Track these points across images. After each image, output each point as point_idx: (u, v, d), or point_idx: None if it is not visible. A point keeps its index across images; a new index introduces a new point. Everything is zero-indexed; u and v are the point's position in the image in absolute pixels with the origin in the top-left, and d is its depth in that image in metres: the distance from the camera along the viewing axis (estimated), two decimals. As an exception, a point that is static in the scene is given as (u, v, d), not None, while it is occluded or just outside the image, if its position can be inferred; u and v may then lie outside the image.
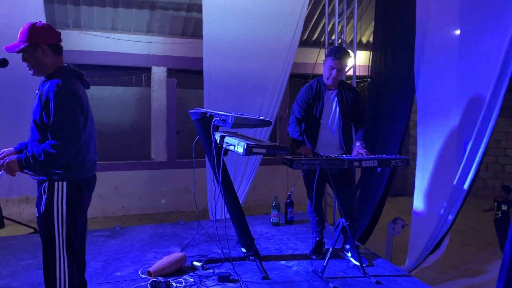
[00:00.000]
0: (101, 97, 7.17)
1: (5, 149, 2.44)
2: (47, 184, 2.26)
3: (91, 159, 2.40)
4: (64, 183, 2.26)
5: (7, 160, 2.20)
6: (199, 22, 7.10)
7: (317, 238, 3.57)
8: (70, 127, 2.19)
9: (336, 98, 3.44)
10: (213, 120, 2.81)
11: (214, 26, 4.42)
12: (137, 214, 6.97)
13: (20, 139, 2.51)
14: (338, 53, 3.31)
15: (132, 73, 7.23)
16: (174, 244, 3.81)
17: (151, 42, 7.03)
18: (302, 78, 7.27)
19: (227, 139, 2.83)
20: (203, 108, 3.32)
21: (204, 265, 3.23)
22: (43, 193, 2.27)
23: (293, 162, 2.87)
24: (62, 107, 2.17)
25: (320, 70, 7.77)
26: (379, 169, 3.15)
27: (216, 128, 2.93)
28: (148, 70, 7.32)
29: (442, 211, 3.29)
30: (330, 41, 5.16)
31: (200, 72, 7.81)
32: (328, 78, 3.38)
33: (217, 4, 4.38)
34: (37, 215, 2.33)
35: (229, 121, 2.64)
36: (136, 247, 3.72)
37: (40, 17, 4.11)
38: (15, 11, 4.02)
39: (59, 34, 2.35)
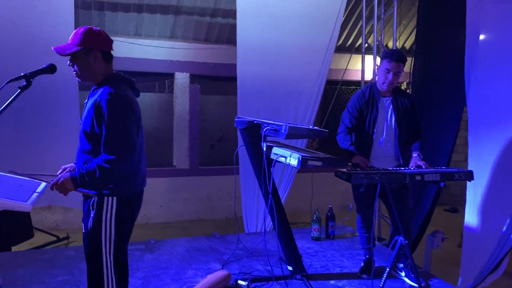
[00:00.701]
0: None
1: (67, 165, 2.31)
2: (96, 199, 2.11)
3: (141, 172, 2.25)
4: (114, 198, 2.11)
5: (62, 179, 2.04)
6: (223, 28, 7.01)
7: (367, 256, 3.37)
8: (125, 139, 2.04)
9: (391, 105, 3.22)
10: (263, 129, 2.64)
11: (249, 31, 4.27)
12: (159, 223, 6.83)
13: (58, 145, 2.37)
14: (395, 55, 3.11)
15: (155, 79, 7.12)
16: (213, 259, 3.63)
17: (174, 48, 6.91)
18: (332, 84, 7.09)
19: (276, 150, 2.65)
20: (244, 116, 3.14)
21: (250, 285, 3.05)
22: (91, 209, 2.12)
23: (351, 176, 2.67)
24: (116, 117, 2.01)
25: (350, 76, 7.71)
26: (442, 184, 2.93)
27: (264, 138, 2.75)
28: (171, 76, 7.21)
29: (504, 228, 3.09)
30: (367, 45, 4.98)
31: (223, 78, 7.74)
32: (383, 83, 3.17)
33: (252, 9, 4.23)
34: (83, 231, 2.19)
35: (283, 131, 2.47)
36: (174, 262, 3.55)
37: (70, 23, 3.99)
38: (47, 19, 3.90)
39: (112, 41, 2.21)
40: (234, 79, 7.67)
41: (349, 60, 5.73)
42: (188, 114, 7.30)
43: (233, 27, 7.01)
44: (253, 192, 4.37)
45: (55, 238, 6.12)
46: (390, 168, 3.04)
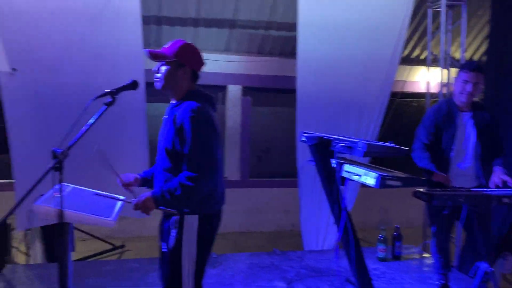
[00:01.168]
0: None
1: (128, 174, 2.29)
2: (177, 217, 2.07)
3: (221, 189, 2.21)
4: (196, 216, 2.07)
5: (143, 197, 2.01)
6: (276, 40, 7.01)
7: (442, 282, 3.17)
8: (208, 157, 2.01)
9: (471, 121, 3.03)
10: (335, 146, 2.54)
11: (310, 43, 4.21)
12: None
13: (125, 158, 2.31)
14: (473, 64, 2.97)
15: (208, 91, 7.17)
16: (277, 278, 3.56)
17: (228, 61, 6.97)
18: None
19: (348, 168, 2.54)
20: (310, 131, 3.06)
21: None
22: (172, 228, 2.09)
23: (433, 197, 2.51)
24: (199, 134, 1.99)
25: (408, 88, 7.47)
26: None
27: (333, 155, 2.66)
28: (223, 88, 7.27)
29: None
30: (433, 57, 4.82)
31: (273, 90, 7.73)
32: (461, 93, 2.99)
33: (314, 21, 4.17)
34: (163, 249, 2.17)
35: (359, 149, 2.34)
36: (238, 279, 3.51)
37: (138, 38, 4.07)
38: (115, 34, 3.99)
39: (204, 64, 2.23)
40: (284, 90, 7.72)
41: (407, 72, 5.55)
42: (239, 126, 7.32)
43: (287, 39, 7.02)
44: (314, 207, 4.26)
45: (111, 246, 6.26)
46: (471, 188, 2.86)
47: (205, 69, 7.31)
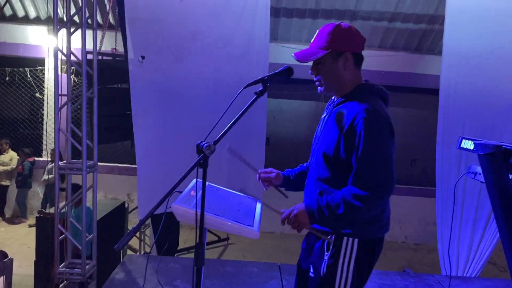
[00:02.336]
0: (280, 110, 6.97)
1: (270, 169, 1.97)
2: (332, 239, 1.71)
3: (389, 210, 1.79)
4: (355, 240, 1.69)
5: (295, 211, 1.67)
6: (400, 33, 6.43)
7: None
8: (384, 171, 1.60)
9: None
10: None
11: (458, 37, 3.64)
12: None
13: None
14: None
15: (310, 87, 6.85)
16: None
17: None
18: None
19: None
20: (468, 137, 2.54)
21: None
22: (325, 250, 1.73)
23: None
24: (374, 142, 1.59)
25: None
26: None
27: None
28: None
29: None
30: None
31: (395, 89, 7.12)
32: None
33: (463, 11, 3.60)
34: (310, 275, 1.81)
35: None
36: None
37: (265, 31, 3.84)
38: (241, 23, 3.81)
39: (365, 40, 1.79)
40: (407, 89, 7.07)
41: None
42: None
43: (412, 32, 6.40)
44: (455, 227, 3.65)
45: (216, 238, 6.25)
46: None
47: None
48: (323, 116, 1.84)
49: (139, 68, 3.71)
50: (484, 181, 2.49)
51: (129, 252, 5.26)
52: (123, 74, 4.21)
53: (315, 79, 1.77)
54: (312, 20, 6.29)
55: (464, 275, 3.32)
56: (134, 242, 5.58)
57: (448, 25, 3.65)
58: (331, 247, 1.70)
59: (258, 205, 1.90)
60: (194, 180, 1.92)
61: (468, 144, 2.46)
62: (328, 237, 1.72)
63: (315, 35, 1.76)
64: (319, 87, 1.78)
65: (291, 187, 1.99)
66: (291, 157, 6.87)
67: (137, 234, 5.37)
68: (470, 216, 3.60)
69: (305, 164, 2.04)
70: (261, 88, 1.66)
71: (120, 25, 4.12)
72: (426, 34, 6.36)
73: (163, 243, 4.14)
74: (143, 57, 3.72)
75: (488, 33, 3.59)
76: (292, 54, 1.75)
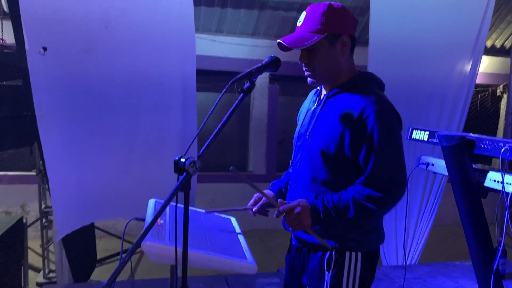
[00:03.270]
0: (201, 103, 6.62)
1: (257, 194, 1.67)
2: (333, 253, 1.51)
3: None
4: (359, 254, 1.52)
5: (299, 208, 1.43)
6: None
7: None
8: (400, 171, 1.45)
9: None
10: (501, 150, 1.93)
11: (382, 26, 3.68)
12: (234, 232, 6.38)
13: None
14: None
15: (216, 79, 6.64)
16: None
17: (256, 46, 6.42)
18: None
19: (495, 175, 2.05)
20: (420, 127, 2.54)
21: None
22: (325, 269, 1.51)
23: None
24: (390, 138, 1.42)
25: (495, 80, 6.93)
26: None
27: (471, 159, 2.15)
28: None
29: None
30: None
31: (305, 78, 7.20)
32: None
33: (387, 2, 3.63)
34: None
35: None
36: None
37: (190, 19, 3.48)
38: (161, 12, 3.40)
39: (357, 21, 1.59)
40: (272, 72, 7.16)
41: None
42: (266, 116, 6.82)
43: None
44: (391, 218, 3.73)
45: (130, 245, 5.73)
46: None
47: (231, 54, 6.71)
48: (311, 107, 1.61)
49: (41, 61, 3.12)
50: (437, 172, 2.50)
51: (30, 272, 4.55)
52: (13, 69, 3.65)
53: (305, 68, 1.53)
54: (221, 8, 6.01)
55: (405, 264, 3.42)
56: (36, 260, 4.88)
57: (372, 14, 3.67)
58: (332, 263, 1.49)
59: (235, 224, 1.63)
60: (152, 202, 1.58)
61: (421, 135, 2.43)
62: (328, 252, 1.51)
63: (302, 18, 1.52)
64: (310, 78, 1.55)
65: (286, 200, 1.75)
66: (215, 154, 6.61)
67: (40, 250, 4.68)
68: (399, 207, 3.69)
69: (290, 168, 1.80)
70: (248, 84, 1.38)
71: (10, 10, 3.44)
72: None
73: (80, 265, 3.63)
74: (45, 49, 3.12)
75: (411, 23, 3.68)
76: (279, 40, 1.50)
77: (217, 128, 1.31)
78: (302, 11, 5.35)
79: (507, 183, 1.96)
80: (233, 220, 1.66)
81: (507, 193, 1.90)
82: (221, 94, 1.33)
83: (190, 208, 1.57)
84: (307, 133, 1.58)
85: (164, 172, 3.56)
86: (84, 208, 3.36)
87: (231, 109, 1.34)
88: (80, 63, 3.22)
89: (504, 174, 1.89)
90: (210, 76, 6.37)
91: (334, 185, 1.50)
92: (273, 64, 1.46)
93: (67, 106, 3.23)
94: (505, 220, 1.93)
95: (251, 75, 1.40)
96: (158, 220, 1.36)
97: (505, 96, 7.06)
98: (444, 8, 3.65)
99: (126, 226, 1.22)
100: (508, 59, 6.65)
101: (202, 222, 1.56)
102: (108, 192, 3.51)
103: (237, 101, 1.37)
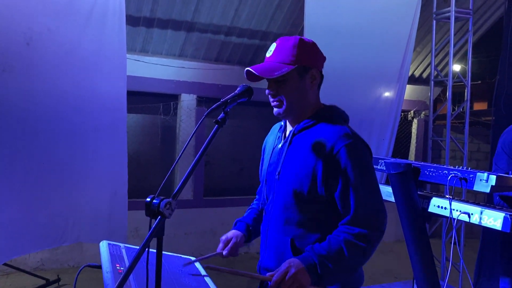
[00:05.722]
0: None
1: (229, 234, 1.64)
2: None
3: None
4: None
5: (293, 270, 1.34)
6: (236, 47, 6.51)
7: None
8: (380, 204, 1.44)
9: None
10: (448, 178, 2.00)
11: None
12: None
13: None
14: None
15: (159, 100, 6.45)
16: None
17: (183, 67, 6.32)
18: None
19: (439, 201, 2.15)
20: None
21: None
22: None
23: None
24: (365, 172, 1.42)
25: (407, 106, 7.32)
26: None
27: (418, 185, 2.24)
28: (176, 97, 6.58)
29: None
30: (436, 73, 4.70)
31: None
32: None
33: (320, 27, 3.79)
34: None
35: (483, 182, 1.90)
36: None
37: (122, 41, 3.31)
38: (93, 33, 3.19)
39: (325, 58, 1.61)
40: (244, 103, 7.15)
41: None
42: (194, 139, 6.67)
43: (247, 47, 6.56)
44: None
45: (43, 282, 5.18)
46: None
47: (157, 75, 6.52)
48: (277, 145, 1.56)
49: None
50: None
51: None
52: None
53: (272, 99, 1.49)
54: (146, 28, 5.83)
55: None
56: None
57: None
58: None
59: (197, 264, 1.52)
60: (105, 244, 1.41)
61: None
62: None
63: (272, 48, 1.48)
64: (276, 109, 1.51)
65: (254, 237, 1.67)
66: (137, 179, 6.27)
67: None
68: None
69: (253, 205, 1.73)
70: (222, 115, 1.30)
71: None
72: (260, 49, 6.60)
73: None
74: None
75: (340, 50, 3.85)
76: (248, 68, 1.44)
77: (193, 163, 1.21)
78: (230, 34, 5.34)
79: (453, 209, 2.07)
80: (199, 266, 1.55)
81: (454, 219, 2.00)
82: (197, 126, 1.24)
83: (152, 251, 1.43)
84: (277, 173, 1.54)
85: (89, 197, 3.31)
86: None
87: (206, 141, 1.26)
88: (7, 84, 2.89)
89: (451, 201, 1.98)
90: (135, 97, 6.11)
91: (311, 226, 1.46)
92: (246, 93, 1.40)
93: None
94: (452, 242, 2.02)
95: (226, 105, 1.31)
96: (118, 268, 1.21)
97: (415, 120, 7.66)
98: (370, 35, 3.88)
99: (77, 275, 1.04)
100: (415, 87, 7.26)
101: (164, 265, 1.42)
102: (21, 226, 3.16)
103: (212, 132, 1.29)
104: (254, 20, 6.16)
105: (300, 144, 1.51)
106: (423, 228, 2.23)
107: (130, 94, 6.10)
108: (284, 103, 1.52)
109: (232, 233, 1.67)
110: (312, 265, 1.37)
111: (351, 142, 1.42)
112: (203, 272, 1.52)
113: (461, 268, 4.25)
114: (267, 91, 1.54)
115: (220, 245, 1.66)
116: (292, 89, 1.50)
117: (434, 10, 4.99)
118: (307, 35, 3.76)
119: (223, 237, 1.67)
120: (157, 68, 6.12)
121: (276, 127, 1.71)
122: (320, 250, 1.39)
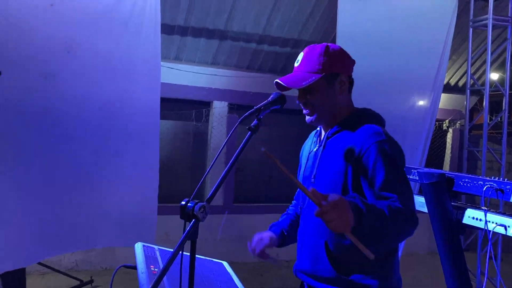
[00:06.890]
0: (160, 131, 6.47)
1: (262, 233, 1.66)
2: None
3: None
4: None
5: (336, 197, 1.22)
6: (268, 56, 6.56)
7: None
8: (413, 204, 1.41)
9: None
10: (483, 189, 1.96)
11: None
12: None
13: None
14: None
15: (192, 107, 6.57)
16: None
17: (215, 75, 6.40)
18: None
19: (476, 214, 2.10)
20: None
21: None
22: None
23: None
24: (398, 167, 1.41)
25: (442, 115, 7.22)
26: None
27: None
28: (208, 104, 6.67)
29: None
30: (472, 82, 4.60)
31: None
32: None
33: (352, 36, 3.77)
34: None
35: None
36: None
37: (156, 48, 3.39)
38: (127, 40, 3.29)
39: (354, 62, 1.62)
40: (276, 110, 7.20)
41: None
42: (225, 146, 6.74)
43: (279, 55, 6.59)
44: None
45: (78, 282, 5.33)
46: None
47: (190, 82, 6.66)
48: (313, 149, 1.58)
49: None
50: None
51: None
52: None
53: (304, 108, 1.51)
54: (180, 37, 5.96)
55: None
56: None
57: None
58: None
59: (228, 267, 1.54)
60: (140, 246, 1.45)
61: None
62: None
63: (300, 58, 1.50)
64: (308, 117, 1.53)
65: (288, 243, 1.68)
66: (170, 184, 6.39)
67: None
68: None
69: (289, 210, 1.75)
70: (255, 122, 1.31)
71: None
72: (291, 57, 6.62)
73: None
74: (-1, 73, 2.90)
75: (373, 59, 3.81)
76: (277, 80, 1.46)
77: (227, 168, 1.23)
78: (262, 43, 5.39)
79: (489, 221, 2.01)
80: (225, 264, 1.57)
81: (489, 231, 1.94)
82: (230, 132, 1.26)
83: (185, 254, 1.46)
84: (312, 176, 1.56)
85: (121, 201, 3.39)
86: (28, 247, 3.10)
87: (239, 148, 1.28)
88: (39, 89, 3.03)
89: (486, 212, 1.93)
90: (168, 104, 6.24)
91: None
92: (279, 101, 1.42)
93: (24, 133, 3.00)
94: (487, 256, 1.96)
95: (259, 112, 1.33)
96: (153, 269, 1.24)
97: (450, 130, 7.47)
98: (406, 44, 3.83)
99: (114, 274, 1.08)
100: (451, 96, 7.09)
101: (197, 268, 1.44)
102: (56, 226, 3.27)
103: (245, 139, 1.31)
104: (286, 28, 6.18)
105: (333, 147, 1.52)
106: (457, 240, 2.17)
107: (164, 100, 6.24)
108: (315, 111, 1.54)
109: (266, 234, 1.69)
110: (358, 207, 1.28)
111: (381, 139, 1.42)
112: (231, 273, 1.53)
113: (498, 283, 4.11)
114: (297, 101, 1.56)
115: (254, 241, 1.67)
116: (322, 97, 1.52)
117: (471, 17, 4.88)
118: (339, 43, 3.75)
119: (257, 237, 1.68)
120: (190, 75, 6.23)
121: (312, 134, 1.74)
122: (365, 202, 1.33)
